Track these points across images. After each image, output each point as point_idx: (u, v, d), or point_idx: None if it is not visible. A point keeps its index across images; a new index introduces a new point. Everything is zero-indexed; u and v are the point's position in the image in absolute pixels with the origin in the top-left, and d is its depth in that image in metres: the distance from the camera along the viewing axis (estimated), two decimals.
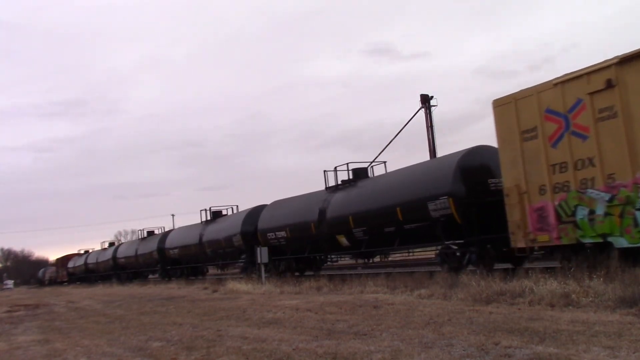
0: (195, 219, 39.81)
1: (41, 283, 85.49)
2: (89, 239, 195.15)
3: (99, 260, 54.88)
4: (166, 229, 50.93)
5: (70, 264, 67.22)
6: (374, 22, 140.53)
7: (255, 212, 28.19)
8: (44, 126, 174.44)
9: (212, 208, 34.42)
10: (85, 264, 60.04)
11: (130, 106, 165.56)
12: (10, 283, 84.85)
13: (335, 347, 7.37)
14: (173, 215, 64.38)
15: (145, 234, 47.02)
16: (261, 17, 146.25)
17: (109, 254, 51.61)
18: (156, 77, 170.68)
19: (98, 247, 69.94)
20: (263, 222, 26.58)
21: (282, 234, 24.82)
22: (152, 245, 42.12)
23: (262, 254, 22.30)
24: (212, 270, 39.47)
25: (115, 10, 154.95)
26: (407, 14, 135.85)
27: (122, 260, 48.65)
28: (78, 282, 62.14)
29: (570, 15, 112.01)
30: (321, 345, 7.61)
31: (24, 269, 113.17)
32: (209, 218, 34.28)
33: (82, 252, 66.74)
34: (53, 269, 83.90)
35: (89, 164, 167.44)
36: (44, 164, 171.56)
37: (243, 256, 28.47)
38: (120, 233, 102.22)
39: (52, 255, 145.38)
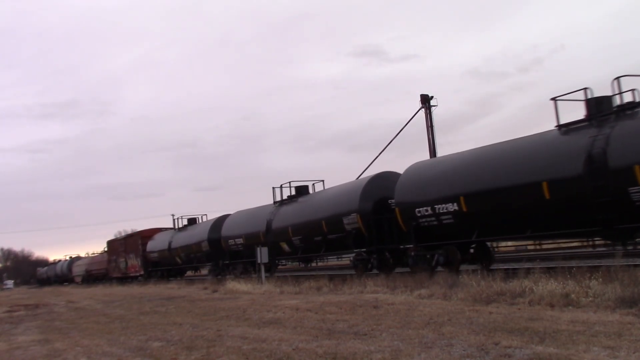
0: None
1: (64, 282, 68.41)
2: (89, 239, 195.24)
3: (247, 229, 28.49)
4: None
5: (154, 246, 40.23)
6: (363, 25, 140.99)
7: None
8: (38, 127, 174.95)
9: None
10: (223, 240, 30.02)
11: (123, 108, 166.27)
12: (10, 283, 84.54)
13: (335, 347, 7.37)
14: (173, 215, 63.93)
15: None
16: (251, 20, 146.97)
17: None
18: (149, 79, 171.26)
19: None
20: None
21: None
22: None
23: (262, 254, 22.28)
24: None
25: (107, 12, 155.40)
26: (395, 17, 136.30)
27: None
28: (176, 279, 37.95)
29: (558, 17, 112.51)
30: (321, 345, 7.61)
31: (24, 269, 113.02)
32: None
33: (183, 221, 37.66)
34: (94, 260, 58.98)
35: (84, 165, 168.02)
36: (40, 164, 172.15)
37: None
38: (119, 233, 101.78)
39: (52, 255, 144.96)
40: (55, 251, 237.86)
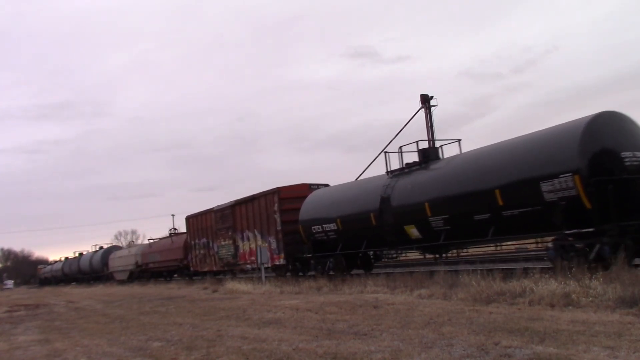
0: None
1: (94, 280, 53.39)
2: (88, 239, 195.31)
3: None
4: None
5: (319, 210, 21.82)
6: (356, 26, 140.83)
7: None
8: (35, 129, 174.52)
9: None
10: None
11: (118, 109, 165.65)
12: (10, 283, 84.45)
13: (335, 347, 7.37)
14: (173, 215, 63.56)
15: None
16: (246, 21, 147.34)
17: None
18: (145, 80, 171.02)
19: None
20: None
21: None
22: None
23: (262, 254, 22.27)
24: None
25: (103, 14, 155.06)
26: (388, 19, 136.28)
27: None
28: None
29: (551, 19, 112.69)
30: (321, 345, 7.61)
31: (24, 269, 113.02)
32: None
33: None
34: (154, 247, 41.22)
35: (82, 165, 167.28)
36: (38, 165, 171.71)
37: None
38: (120, 233, 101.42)
39: (52, 256, 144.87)
40: (55, 251, 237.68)
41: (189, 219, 33.29)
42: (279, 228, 23.54)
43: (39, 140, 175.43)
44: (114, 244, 61.67)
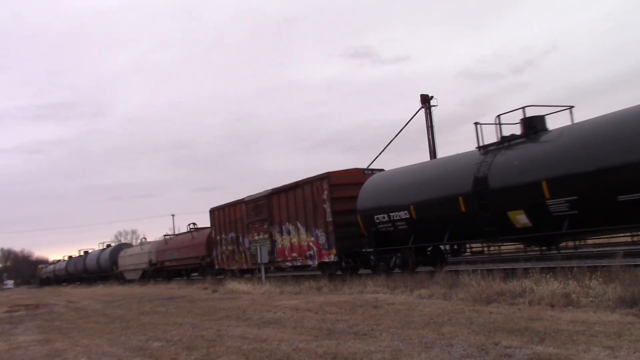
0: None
1: (100, 279, 48.54)
2: (88, 240, 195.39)
3: None
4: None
5: (407, 194, 17.40)
6: (354, 27, 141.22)
7: None
8: (34, 128, 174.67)
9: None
10: None
11: (118, 109, 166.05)
12: (10, 283, 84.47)
13: (335, 347, 7.37)
14: (173, 215, 63.77)
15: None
16: (245, 22, 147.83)
17: None
18: (144, 81, 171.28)
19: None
20: None
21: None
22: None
23: (262, 254, 22.27)
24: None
25: (102, 14, 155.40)
26: (387, 19, 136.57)
27: None
28: None
29: (550, 19, 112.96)
30: (321, 345, 7.62)
31: (24, 269, 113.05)
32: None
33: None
34: (171, 244, 37.06)
35: (82, 165, 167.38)
36: (38, 165, 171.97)
37: None
38: (120, 233, 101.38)
39: (52, 255, 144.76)
40: (55, 251, 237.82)
41: (214, 212, 29.49)
42: (329, 219, 20.29)
43: (39, 140, 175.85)
44: (122, 242, 59.40)
